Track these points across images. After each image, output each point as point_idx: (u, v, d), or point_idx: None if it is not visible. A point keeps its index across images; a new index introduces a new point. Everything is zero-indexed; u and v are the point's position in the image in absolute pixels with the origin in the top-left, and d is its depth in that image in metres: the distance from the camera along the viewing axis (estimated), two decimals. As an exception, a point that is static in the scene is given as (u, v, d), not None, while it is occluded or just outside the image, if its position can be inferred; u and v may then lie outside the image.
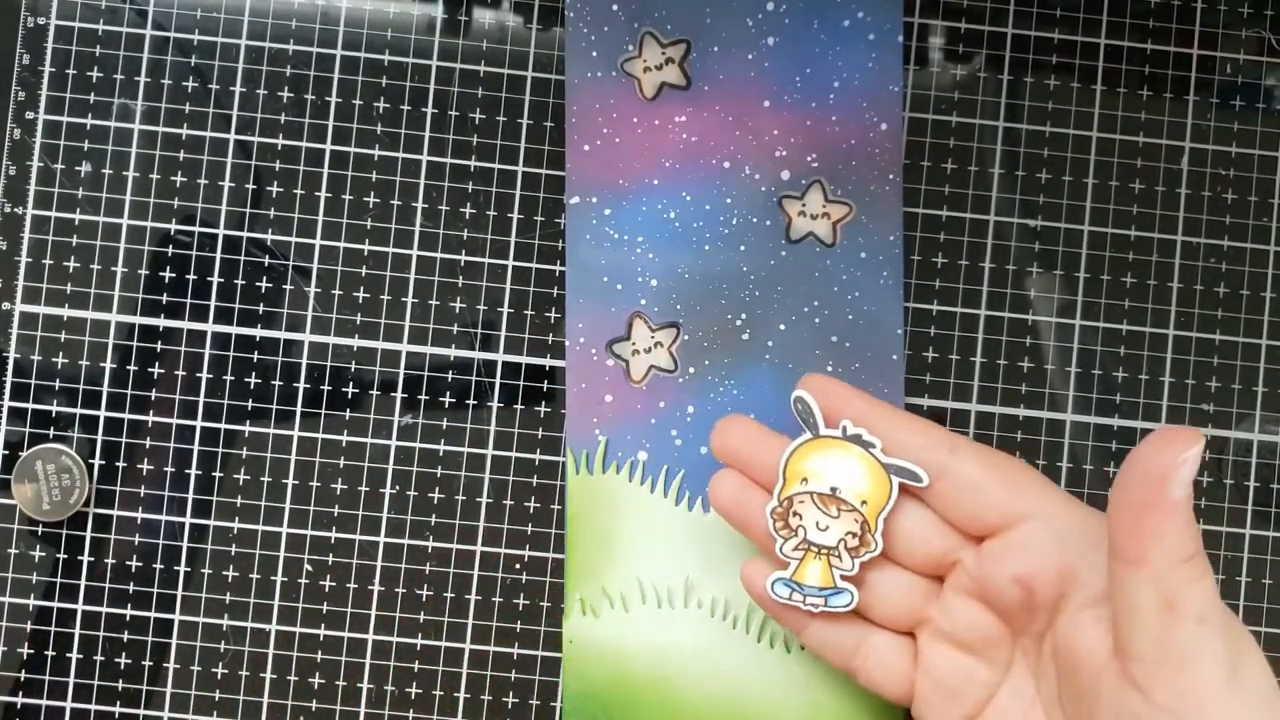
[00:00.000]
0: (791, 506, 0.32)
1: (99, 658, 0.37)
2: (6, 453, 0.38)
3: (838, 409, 0.32)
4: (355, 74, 0.38)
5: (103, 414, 0.38)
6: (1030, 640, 0.31)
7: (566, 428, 0.38)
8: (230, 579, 0.38)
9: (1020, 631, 0.31)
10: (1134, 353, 0.39)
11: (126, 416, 0.38)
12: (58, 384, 0.38)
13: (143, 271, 0.38)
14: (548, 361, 0.38)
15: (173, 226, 0.38)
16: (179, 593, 0.38)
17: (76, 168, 0.38)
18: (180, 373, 0.38)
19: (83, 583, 0.37)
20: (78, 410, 0.38)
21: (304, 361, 0.38)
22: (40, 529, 0.38)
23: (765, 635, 0.37)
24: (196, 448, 0.38)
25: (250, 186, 0.38)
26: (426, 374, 0.38)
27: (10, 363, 0.38)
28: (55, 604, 0.37)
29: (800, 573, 0.32)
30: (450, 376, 0.38)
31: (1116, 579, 0.27)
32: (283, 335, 0.38)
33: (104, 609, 0.37)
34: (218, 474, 0.38)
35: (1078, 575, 0.29)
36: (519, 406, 0.38)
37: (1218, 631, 0.27)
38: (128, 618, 0.38)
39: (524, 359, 0.38)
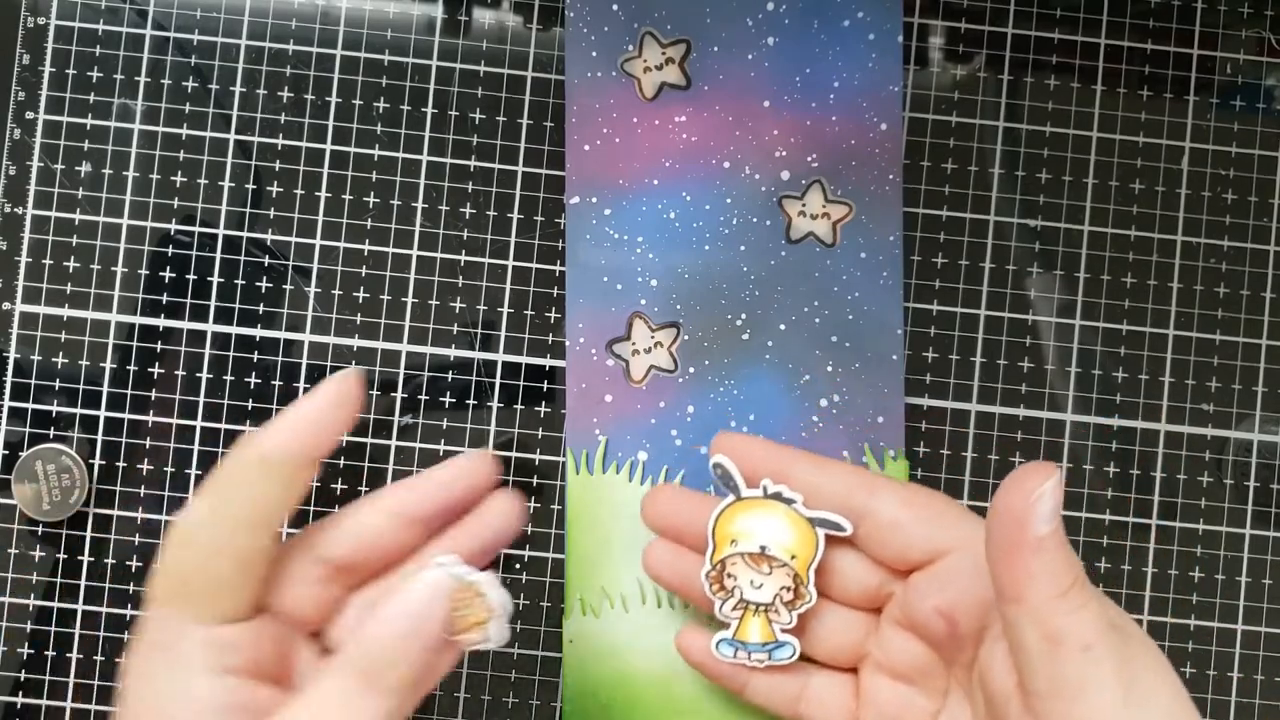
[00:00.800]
0: (724, 569, 0.32)
1: (99, 658, 0.37)
2: (6, 453, 0.38)
3: (756, 464, 0.32)
4: (355, 74, 0.38)
5: (103, 414, 0.38)
6: (962, 669, 0.31)
7: (566, 428, 0.38)
8: (230, 579, 0.38)
9: (951, 661, 0.31)
10: (1134, 353, 0.39)
11: (126, 416, 0.38)
12: (58, 384, 0.38)
13: (143, 271, 0.38)
14: (548, 361, 0.38)
15: (173, 226, 0.38)
16: (179, 593, 0.38)
17: (76, 168, 0.38)
18: (180, 373, 0.38)
19: (83, 583, 0.37)
20: (78, 410, 0.38)
21: (304, 361, 0.38)
22: (40, 529, 0.38)
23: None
24: (196, 448, 0.38)
25: (250, 186, 0.38)
26: (426, 374, 0.38)
27: (10, 363, 0.38)
28: (55, 604, 0.37)
29: (742, 631, 0.33)
30: (450, 376, 0.38)
31: (1003, 617, 0.28)
32: (283, 335, 0.38)
33: (104, 609, 0.37)
34: (218, 474, 0.38)
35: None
36: (519, 406, 0.38)
37: (1105, 657, 0.26)
38: (128, 618, 0.38)
39: (524, 359, 0.38)
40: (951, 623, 0.30)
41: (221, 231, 0.38)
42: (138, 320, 0.38)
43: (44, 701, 0.37)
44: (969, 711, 0.31)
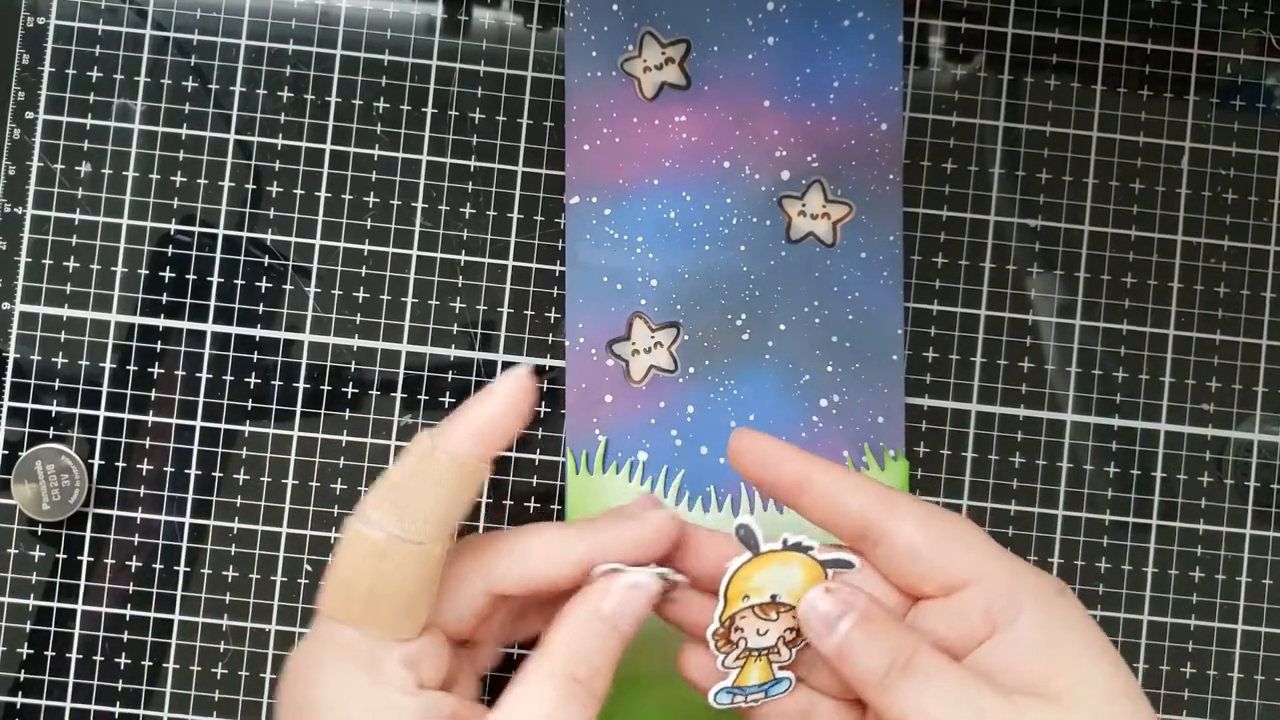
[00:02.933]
0: (733, 624, 0.31)
1: (99, 658, 0.37)
2: (6, 453, 0.38)
3: (775, 467, 0.31)
4: (355, 74, 0.38)
5: (103, 414, 0.38)
6: None
7: (566, 428, 0.38)
8: (230, 579, 0.38)
9: None
10: (1134, 353, 0.39)
11: (126, 416, 0.38)
12: (58, 384, 0.38)
13: (142, 271, 0.38)
14: (548, 361, 0.38)
15: (173, 226, 0.38)
16: (179, 593, 0.38)
17: (76, 168, 0.38)
18: (180, 373, 0.38)
19: (83, 583, 0.37)
20: (78, 410, 0.38)
21: (304, 361, 0.38)
22: (40, 529, 0.38)
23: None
24: (196, 448, 0.38)
25: (250, 186, 0.38)
26: (426, 374, 0.38)
27: (10, 363, 0.38)
28: (55, 604, 0.37)
29: (742, 678, 0.31)
30: (450, 376, 0.38)
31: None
32: (283, 335, 0.38)
33: (104, 609, 0.37)
34: (218, 474, 0.38)
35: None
36: (519, 406, 0.38)
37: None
38: (128, 618, 0.38)
39: (524, 359, 0.38)
40: (956, 658, 0.29)
41: (221, 231, 0.38)
42: (138, 320, 0.38)
43: (44, 701, 0.37)
44: None
